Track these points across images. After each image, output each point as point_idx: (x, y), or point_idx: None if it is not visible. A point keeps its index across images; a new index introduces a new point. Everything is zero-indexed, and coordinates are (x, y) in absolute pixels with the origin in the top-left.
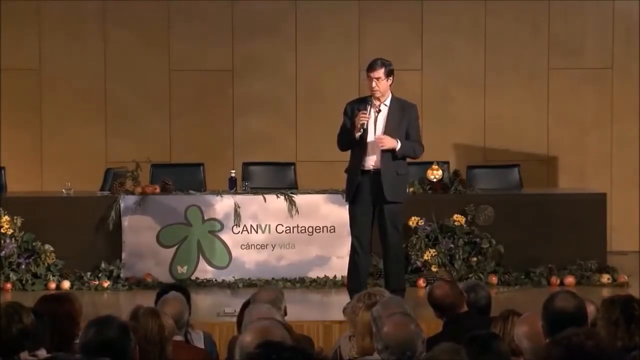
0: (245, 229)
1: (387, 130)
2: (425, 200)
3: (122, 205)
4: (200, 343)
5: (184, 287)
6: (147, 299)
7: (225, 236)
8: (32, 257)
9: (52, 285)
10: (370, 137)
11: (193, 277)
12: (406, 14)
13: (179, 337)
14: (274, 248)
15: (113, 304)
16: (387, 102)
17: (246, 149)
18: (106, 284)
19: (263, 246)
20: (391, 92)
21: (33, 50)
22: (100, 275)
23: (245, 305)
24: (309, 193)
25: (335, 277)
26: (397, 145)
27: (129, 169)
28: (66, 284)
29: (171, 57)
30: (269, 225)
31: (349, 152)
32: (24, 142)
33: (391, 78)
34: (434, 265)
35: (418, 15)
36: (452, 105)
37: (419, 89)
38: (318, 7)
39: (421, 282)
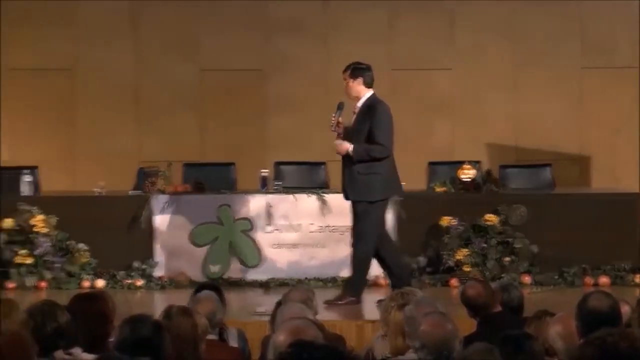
0: (276, 228)
1: (352, 131)
2: (457, 200)
3: (154, 204)
4: (233, 341)
5: (218, 285)
6: (180, 298)
7: (257, 235)
8: (66, 256)
9: (86, 284)
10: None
11: (225, 276)
12: (437, 13)
13: (212, 336)
14: (305, 247)
15: (146, 303)
16: (359, 105)
17: (277, 148)
18: (139, 283)
19: (294, 245)
20: (372, 94)
21: (66, 50)
22: (133, 274)
23: (278, 305)
24: (340, 192)
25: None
26: (350, 150)
27: (161, 168)
28: (100, 283)
29: (202, 57)
30: (300, 225)
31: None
32: (58, 141)
33: (360, 79)
34: (466, 265)
35: (449, 14)
36: (483, 104)
37: (450, 88)
38: (348, 6)
39: (454, 281)
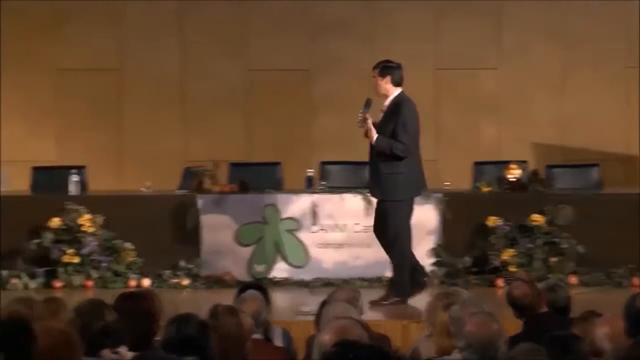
0: (322, 227)
1: (377, 130)
2: (503, 200)
3: (200, 204)
4: (279, 341)
5: (262, 285)
6: (225, 298)
7: (303, 235)
8: (113, 255)
9: (133, 283)
10: None
11: (270, 276)
12: (484, 12)
13: (257, 335)
14: (351, 247)
15: (192, 302)
16: (387, 102)
17: (323, 148)
18: (185, 282)
19: (340, 245)
20: (400, 92)
21: (114, 50)
22: (179, 273)
23: (323, 304)
24: None
25: None
26: (374, 139)
27: (207, 168)
28: (146, 282)
29: (248, 57)
30: (346, 225)
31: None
32: (105, 141)
33: (389, 77)
34: (512, 266)
35: (496, 13)
36: (529, 104)
37: (496, 88)
38: (395, 6)
39: (500, 282)
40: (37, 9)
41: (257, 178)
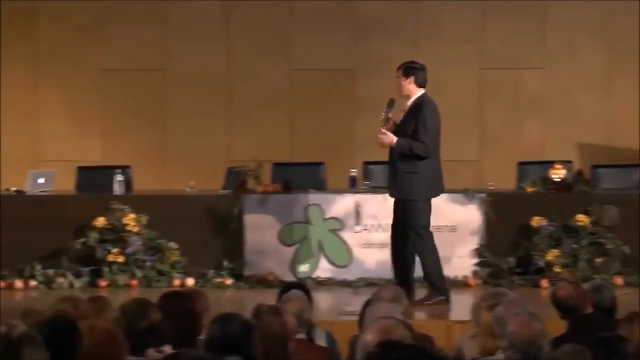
0: (365, 227)
1: (398, 130)
2: (548, 200)
3: (243, 204)
4: (322, 341)
5: (305, 285)
6: (269, 297)
7: (346, 235)
8: (157, 255)
9: (177, 283)
10: None
11: (314, 276)
12: (528, 11)
13: (300, 335)
14: None
15: (235, 301)
16: (410, 102)
17: (366, 147)
18: (229, 281)
19: (383, 245)
20: (422, 93)
21: (158, 50)
22: (222, 273)
23: (366, 304)
24: None
25: (456, 276)
26: (393, 142)
27: (251, 167)
28: (190, 282)
29: (292, 57)
30: (389, 224)
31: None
32: (149, 141)
33: (412, 77)
34: (557, 266)
35: (541, 13)
36: (575, 104)
37: (541, 88)
38: (439, 6)
39: (544, 282)
40: (82, 9)
41: (301, 178)
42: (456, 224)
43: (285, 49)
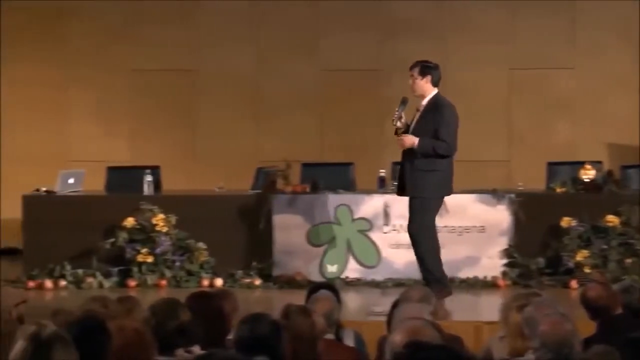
0: (394, 228)
1: (416, 129)
2: (577, 200)
3: (272, 204)
4: (350, 341)
5: (334, 285)
6: (297, 298)
7: (375, 235)
8: (186, 255)
9: (205, 283)
10: None
11: (342, 276)
12: (558, 11)
13: (329, 336)
14: None
15: (264, 302)
16: (425, 102)
17: (395, 148)
18: (257, 282)
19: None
20: (436, 92)
21: (188, 51)
22: (251, 273)
23: (395, 305)
24: (458, 193)
25: (485, 277)
26: (415, 143)
27: (280, 168)
28: (218, 282)
29: (321, 57)
30: None
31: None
32: (179, 141)
33: (429, 77)
34: (586, 267)
35: (570, 12)
36: (605, 104)
37: (571, 88)
38: (468, 6)
39: (573, 283)
40: (112, 10)
41: (329, 178)
42: (485, 225)
43: (314, 50)
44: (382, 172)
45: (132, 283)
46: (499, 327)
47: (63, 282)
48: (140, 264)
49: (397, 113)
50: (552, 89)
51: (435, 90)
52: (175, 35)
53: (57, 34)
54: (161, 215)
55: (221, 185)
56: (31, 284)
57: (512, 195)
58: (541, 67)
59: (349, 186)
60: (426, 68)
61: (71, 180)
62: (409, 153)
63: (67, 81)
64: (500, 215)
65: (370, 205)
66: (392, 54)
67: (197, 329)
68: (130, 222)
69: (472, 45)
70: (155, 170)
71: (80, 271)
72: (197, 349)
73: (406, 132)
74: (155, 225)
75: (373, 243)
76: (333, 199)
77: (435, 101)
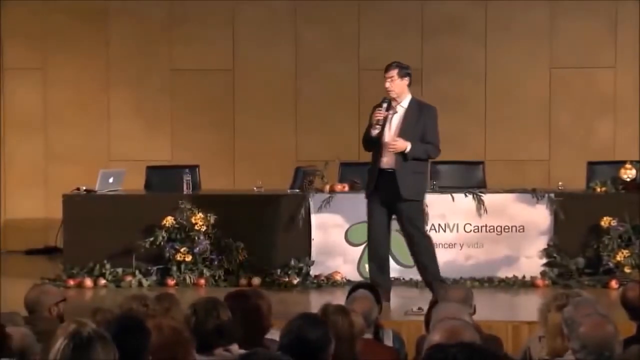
0: (433, 227)
1: (402, 131)
2: (618, 200)
3: (311, 203)
4: (389, 341)
5: (373, 285)
6: (335, 297)
7: None
8: (224, 254)
9: (244, 282)
10: (385, 138)
11: None
12: (599, 10)
13: (368, 335)
14: (462, 247)
15: (302, 301)
16: (405, 104)
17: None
18: (295, 281)
19: (451, 245)
20: (411, 95)
21: (227, 50)
22: (289, 272)
23: (432, 305)
24: (497, 192)
25: (524, 277)
26: (407, 148)
27: (319, 167)
28: (257, 281)
29: (361, 56)
30: (457, 225)
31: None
32: (218, 140)
33: (407, 79)
34: (627, 267)
35: (611, 11)
36: None
37: (612, 87)
38: (509, 5)
39: (613, 283)
40: (153, 9)
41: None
42: (524, 224)
43: (354, 49)
44: None
45: (170, 282)
46: (538, 327)
47: (103, 281)
48: (179, 263)
49: (380, 114)
50: (592, 88)
51: (409, 93)
52: (215, 35)
53: (98, 34)
54: (200, 215)
55: (260, 184)
56: (71, 282)
57: (552, 195)
58: (582, 66)
59: None
60: (404, 69)
61: (111, 180)
62: (398, 156)
63: (109, 81)
64: (540, 215)
65: None
66: (433, 53)
67: (236, 328)
68: (169, 221)
69: (513, 44)
70: (194, 169)
71: (119, 270)
72: (235, 348)
73: (381, 133)
74: (194, 224)
75: None
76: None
77: (418, 103)
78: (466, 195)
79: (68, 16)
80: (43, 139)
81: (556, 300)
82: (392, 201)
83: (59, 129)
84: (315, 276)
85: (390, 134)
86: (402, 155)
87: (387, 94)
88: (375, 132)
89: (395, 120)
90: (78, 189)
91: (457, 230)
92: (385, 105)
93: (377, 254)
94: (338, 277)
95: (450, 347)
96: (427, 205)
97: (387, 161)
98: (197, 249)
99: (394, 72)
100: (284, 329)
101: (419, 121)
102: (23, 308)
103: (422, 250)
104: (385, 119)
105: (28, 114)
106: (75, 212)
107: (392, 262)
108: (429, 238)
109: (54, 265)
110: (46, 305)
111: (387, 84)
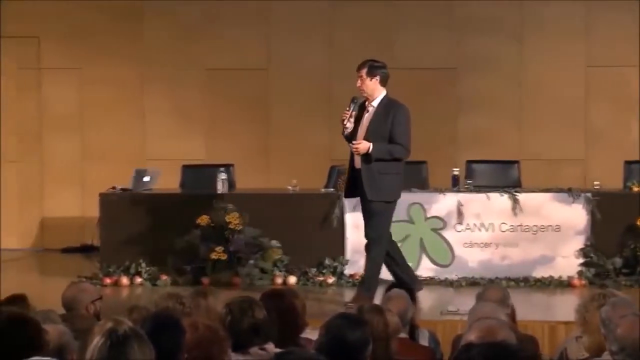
0: (468, 227)
1: (369, 131)
2: None
3: (345, 202)
4: (424, 341)
5: (409, 284)
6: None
7: (448, 234)
8: (259, 253)
9: (279, 281)
10: (357, 138)
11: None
12: (634, 9)
13: (403, 335)
14: (497, 247)
15: (337, 300)
16: (375, 103)
17: (469, 146)
18: (330, 280)
19: (486, 245)
20: (386, 93)
21: (261, 50)
22: (324, 271)
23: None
24: (533, 192)
25: (560, 277)
26: (370, 148)
27: None
28: (292, 280)
29: (395, 55)
30: (492, 224)
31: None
32: (252, 139)
33: (377, 78)
34: None
35: None
36: None
37: None
38: (545, 5)
39: None
40: (188, 9)
41: (403, 176)
42: (561, 224)
43: (387, 48)
44: (456, 171)
45: (205, 281)
46: (575, 327)
47: (139, 279)
48: (214, 262)
49: (347, 113)
50: (629, 87)
51: (384, 91)
52: (249, 34)
53: (133, 33)
54: (235, 213)
55: (294, 183)
56: (108, 280)
57: (589, 194)
58: (617, 64)
59: (423, 185)
60: (374, 68)
61: (146, 178)
62: (363, 157)
63: (143, 80)
64: (576, 215)
65: (444, 203)
66: (467, 52)
67: (271, 327)
68: (204, 220)
69: (548, 43)
70: (229, 168)
71: (155, 268)
72: (271, 347)
73: (354, 132)
74: (229, 223)
75: (446, 242)
76: (406, 198)
77: (387, 102)
78: (502, 195)
79: (104, 16)
80: (80, 138)
81: (594, 301)
82: (362, 200)
83: (95, 128)
84: (350, 275)
85: (361, 133)
86: (365, 156)
87: (359, 93)
88: (346, 131)
89: (366, 120)
90: (114, 187)
91: (493, 230)
92: (352, 105)
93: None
94: None
95: (477, 346)
96: (462, 205)
97: (358, 161)
98: (232, 247)
99: (363, 71)
100: (322, 328)
101: (387, 121)
102: (60, 306)
103: (367, 256)
104: (354, 118)
105: (65, 113)
106: (111, 210)
107: (426, 261)
108: (378, 245)
109: (90, 264)
110: (83, 303)
111: (358, 83)
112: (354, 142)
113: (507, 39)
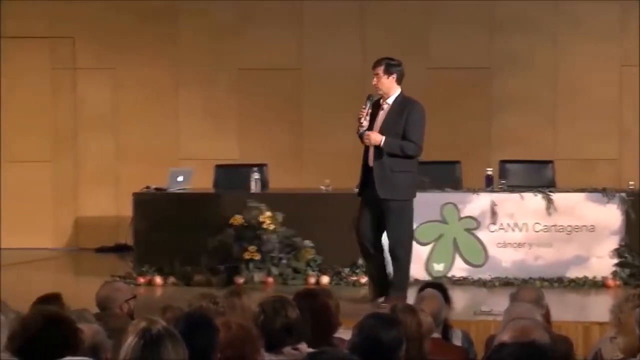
0: (501, 227)
1: (383, 128)
2: None
3: None
4: (458, 341)
5: (442, 284)
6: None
7: (482, 234)
8: (292, 252)
9: (312, 280)
10: None
11: (449, 275)
12: None
13: (436, 335)
14: (531, 247)
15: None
16: (390, 101)
17: (503, 146)
18: (363, 279)
19: (520, 245)
20: (401, 91)
21: (294, 49)
22: (357, 271)
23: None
24: (567, 192)
25: (594, 277)
26: (381, 141)
27: None
28: (325, 279)
29: (429, 55)
30: (526, 224)
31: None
32: (285, 139)
33: (394, 76)
34: None
35: None
36: None
37: None
38: (580, 5)
39: None
40: (221, 9)
41: (436, 176)
42: (595, 224)
43: (422, 47)
44: (490, 171)
45: (239, 280)
46: (610, 328)
47: (172, 279)
48: (247, 262)
49: (363, 110)
50: None
51: (399, 89)
52: (282, 34)
53: (166, 34)
54: (268, 213)
55: (328, 183)
56: (141, 280)
57: (623, 194)
58: None
59: (456, 184)
60: (391, 66)
61: (180, 178)
62: (376, 153)
63: (176, 81)
64: (611, 215)
65: (477, 203)
66: (501, 51)
67: (304, 327)
68: (237, 219)
69: (583, 43)
70: (262, 168)
71: (188, 268)
72: (304, 347)
73: (369, 129)
74: (262, 223)
75: (480, 242)
76: (439, 198)
77: (402, 100)
78: (536, 195)
79: (138, 16)
80: (114, 138)
81: (628, 301)
82: (375, 199)
83: (129, 128)
84: None
85: (375, 130)
86: (377, 150)
87: (375, 91)
88: (361, 129)
89: (381, 117)
90: (148, 187)
91: (527, 230)
92: (368, 102)
93: (366, 250)
94: None
95: (509, 345)
96: (495, 205)
97: (371, 159)
98: (265, 247)
99: (380, 69)
100: (355, 327)
101: (401, 118)
102: (94, 305)
103: (391, 255)
104: (370, 115)
105: (99, 113)
106: (145, 210)
107: (459, 261)
108: (400, 246)
109: (124, 263)
110: (117, 302)
111: (374, 81)
112: (366, 132)
113: (541, 38)
